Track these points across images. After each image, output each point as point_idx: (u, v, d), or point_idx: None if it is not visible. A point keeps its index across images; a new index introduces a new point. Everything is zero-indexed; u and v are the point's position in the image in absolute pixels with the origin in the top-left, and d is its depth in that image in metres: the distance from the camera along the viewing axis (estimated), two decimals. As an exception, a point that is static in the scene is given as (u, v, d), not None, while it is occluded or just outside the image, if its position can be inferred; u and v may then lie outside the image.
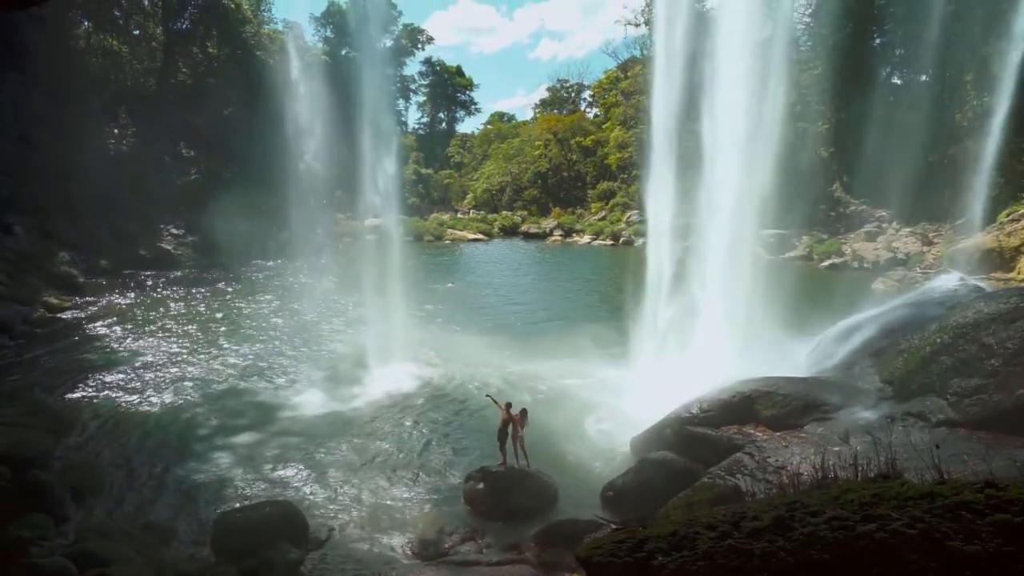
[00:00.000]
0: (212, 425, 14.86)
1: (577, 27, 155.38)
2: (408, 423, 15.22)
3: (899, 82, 47.00)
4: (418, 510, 11.27)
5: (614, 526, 9.96)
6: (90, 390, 16.60)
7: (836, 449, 9.13)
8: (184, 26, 47.40)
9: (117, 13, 42.51)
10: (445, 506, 11.39)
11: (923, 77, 43.74)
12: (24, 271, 26.46)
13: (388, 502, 11.53)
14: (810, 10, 48.21)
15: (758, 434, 11.26)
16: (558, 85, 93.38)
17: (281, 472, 12.56)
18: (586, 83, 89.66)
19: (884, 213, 42.17)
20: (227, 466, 12.78)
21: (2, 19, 27.11)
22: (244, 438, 14.15)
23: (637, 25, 66.63)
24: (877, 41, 46.25)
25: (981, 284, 18.09)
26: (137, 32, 46.05)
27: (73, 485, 10.92)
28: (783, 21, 20.69)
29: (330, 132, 37.91)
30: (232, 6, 47.07)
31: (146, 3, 44.94)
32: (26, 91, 31.60)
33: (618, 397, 16.17)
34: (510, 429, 11.51)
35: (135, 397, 16.29)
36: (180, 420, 15.02)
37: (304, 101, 44.35)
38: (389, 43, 79.77)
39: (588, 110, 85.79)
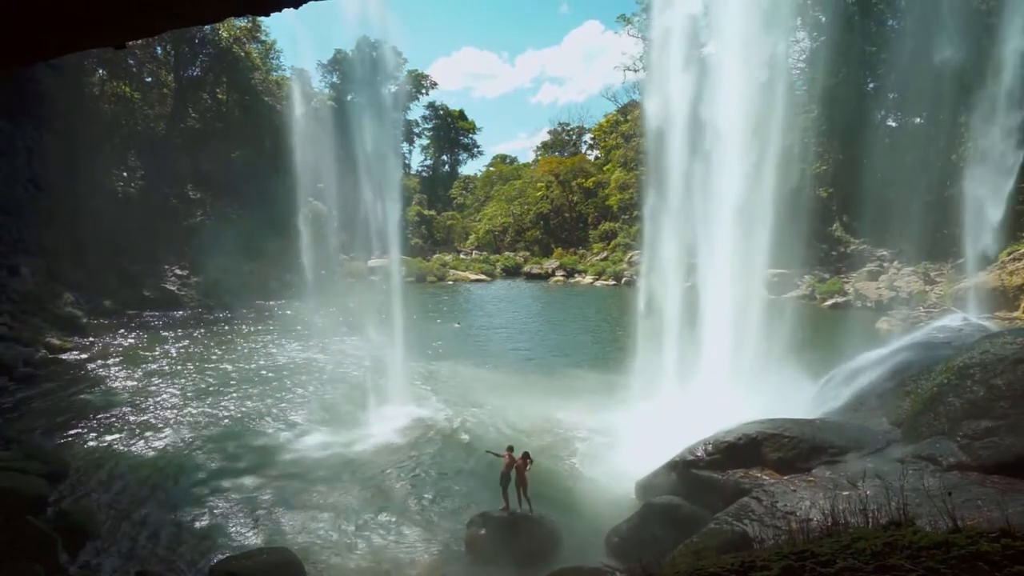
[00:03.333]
0: (210, 468, 14.62)
1: (577, 73, 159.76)
2: (409, 466, 14.96)
3: (894, 124, 47.95)
4: (418, 557, 10.98)
5: (619, 574, 9.68)
6: (88, 433, 16.41)
7: (845, 494, 8.92)
8: (195, 73, 48.91)
9: (131, 61, 43.90)
10: (446, 552, 11.11)
11: (917, 120, 44.63)
12: (28, 312, 26.57)
13: (388, 548, 11.24)
14: (805, 56, 49.59)
15: (765, 478, 11.03)
16: (559, 128, 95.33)
17: (279, 517, 12.30)
18: (587, 126, 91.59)
19: (885, 252, 42.38)
20: (225, 511, 12.53)
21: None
22: (242, 482, 13.91)
23: (636, 71, 68.51)
24: (871, 85, 47.39)
25: (986, 324, 18.01)
26: (149, 79, 47.47)
27: (66, 532, 10.67)
28: (779, 66, 21.26)
29: (335, 174, 38.60)
30: (242, 55, 48.62)
31: (159, 52, 46.42)
32: (39, 135, 32.37)
33: (622, 439, 15.92)
34: (513, 473, 11.30)
35: (133, 440, 16.09)
36: (178, 463, 14.79)
37: (309, 145, 45.34)
38: (394, 88, 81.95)
39: (589, 152, 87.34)
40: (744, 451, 11.78)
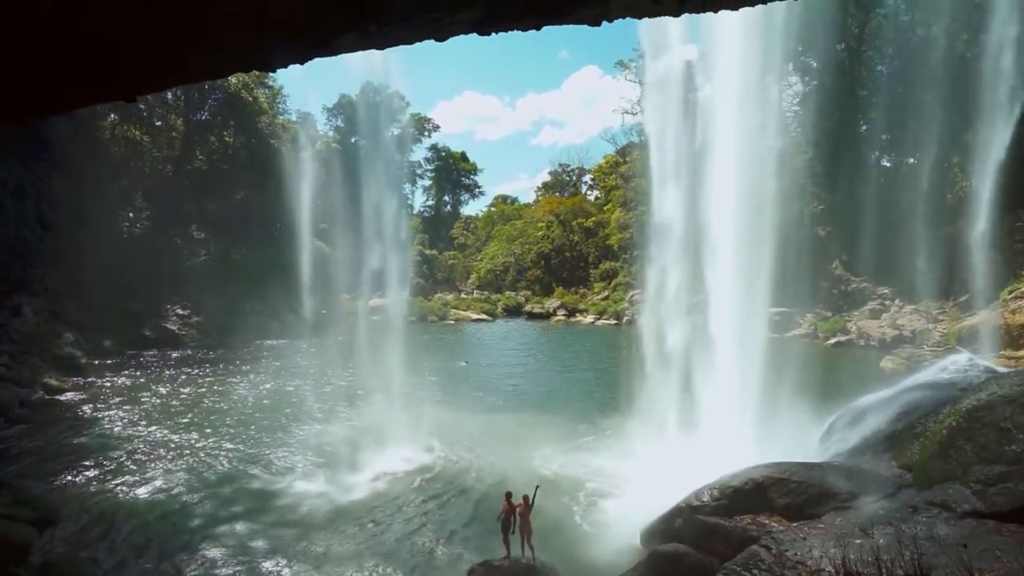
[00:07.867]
0: (205, 515, 14.28)
1: (577, 116, 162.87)
2: (407, 512, 14.60)
3: (888, 164, 48.58)
4: (416, 609, 10.60)
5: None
6: (81, 477, 16.11)
7: (857, 542, 8.65)
8: (203, 117, 50.05)
9: (142, 106, 44.91)
10: (445, 605, 10.73)
11: (911, 160, 45.24)
12: (28, 352, 26.48)
13: (385, 600, 10.87)
14: (798, 99, 50.69)
15: (774, 525, 10.70)
16: (559, 169, 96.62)
17: (274, 567, 11.92)
18: (587, 167, 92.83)
19: (886, 290, 42.34)
20: (218, 560, 12.15)
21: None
22: (237, 529, 13.56)
23: (634, 114, 69.99)
24: (864, 127, 48.25)
25: (992, 364, 17.82)
26: (159, 123, 48.55)
27: (53, 582, 10.36)
28: (772, 109, 21.70)
29: (338, 215, 39.04)
30: (249, 99, 49.80)
31: (169, 97, 47.56)
32: (49, 177, 32.86)
33: (625, 484, 15.59)
34: (515, 519, 10.99)
35: (127, 484, 15.77)
36: (172, 509, 14.46)
37: (313, 187, 46.02)
38: (397, 131, 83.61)
39: (589, 193, 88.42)
40: (751, 496, 11.47)
